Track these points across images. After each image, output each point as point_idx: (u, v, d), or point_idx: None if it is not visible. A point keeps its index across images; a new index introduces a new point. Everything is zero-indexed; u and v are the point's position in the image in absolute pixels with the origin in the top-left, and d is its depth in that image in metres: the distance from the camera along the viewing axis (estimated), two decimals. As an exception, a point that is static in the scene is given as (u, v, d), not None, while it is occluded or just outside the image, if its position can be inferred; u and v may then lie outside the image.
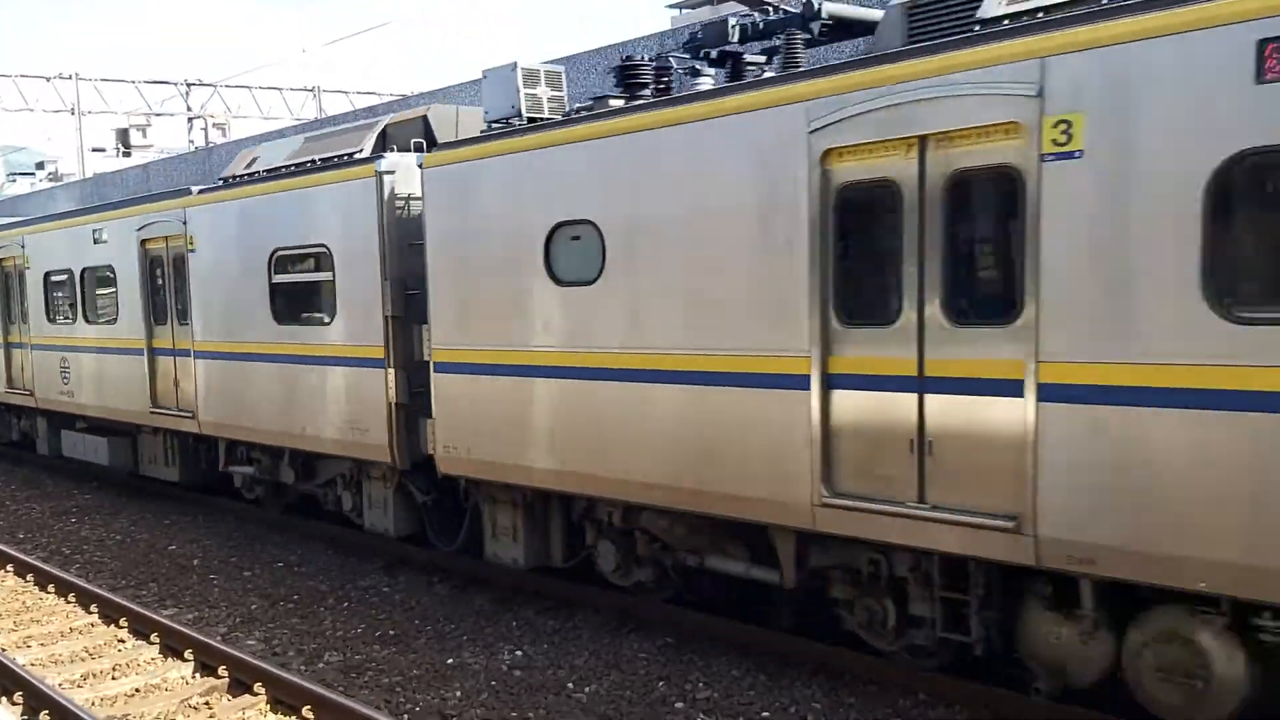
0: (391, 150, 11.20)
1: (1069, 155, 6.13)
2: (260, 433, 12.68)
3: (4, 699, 8.26)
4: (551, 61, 10.92)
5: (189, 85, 38.65)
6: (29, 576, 11.85)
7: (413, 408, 10.71)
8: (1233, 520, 5.65)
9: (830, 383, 7.32)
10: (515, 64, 9.81)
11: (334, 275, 11.27)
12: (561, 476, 9.15)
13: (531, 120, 9.69)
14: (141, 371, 14.60)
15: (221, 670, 8.58)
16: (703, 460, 8.05)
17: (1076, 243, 6.11)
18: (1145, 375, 5.91)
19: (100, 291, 15.69)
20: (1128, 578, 6.11)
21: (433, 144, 10.89)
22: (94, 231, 15.53)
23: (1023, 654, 6.93)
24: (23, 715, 8.02)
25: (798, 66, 8.21)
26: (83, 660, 9.29)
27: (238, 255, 12.65)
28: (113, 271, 15.17)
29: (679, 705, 7.84)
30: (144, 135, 39.26)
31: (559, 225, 8.93)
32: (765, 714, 7.62)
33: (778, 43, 8.59)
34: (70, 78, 37.44)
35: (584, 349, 8.82)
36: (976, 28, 6.76)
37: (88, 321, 15.96)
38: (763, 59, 8.97)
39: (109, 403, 15.57)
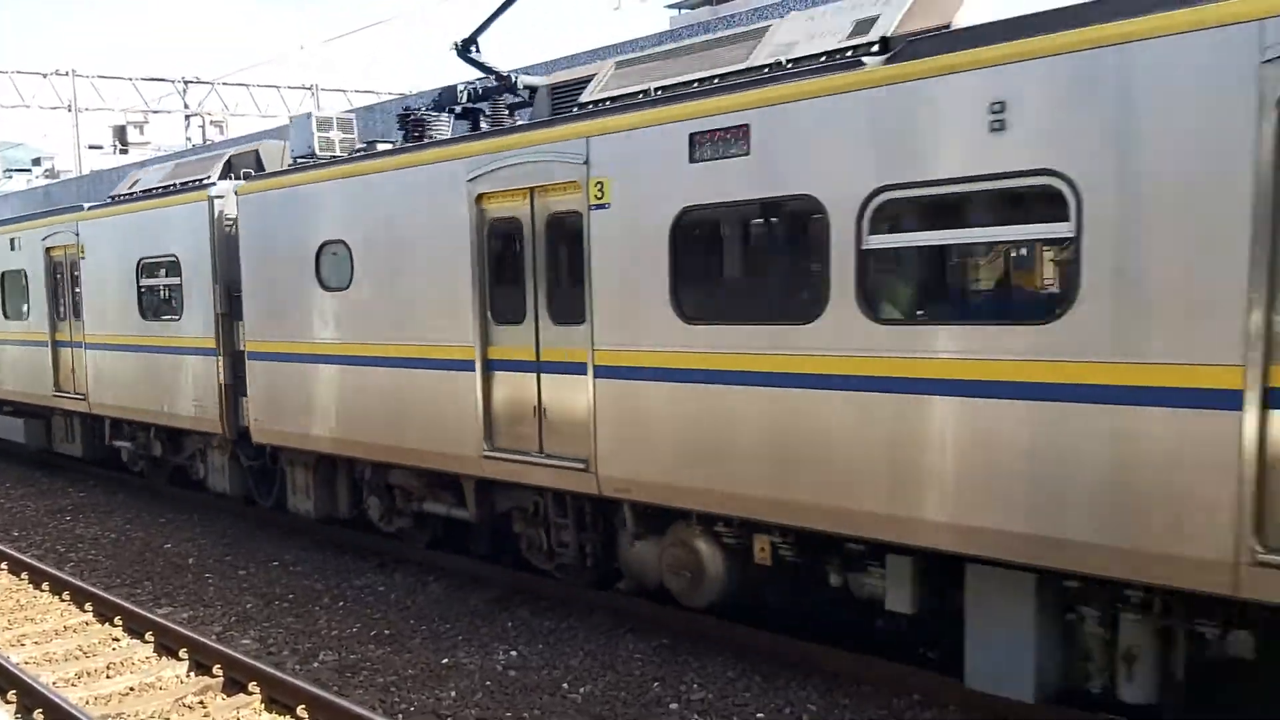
0: (231, 177, 13.60)
1: (603, 206, 8.59)
2: (134, 412, 15.13)
3: (-2, 697, 8.26)
4: (352, 110, 13.90)
5: (186, 83, 38.65)
6: (23, 574, 11.83)
7: (237, 388, 13.00)
8: (701, 459, 8.09)
9: (489, 366, 9.79)
10: (310, 114, 12.77)
11: (182, 280, 13.61)
12: (336, 443, 11.57)
13: (318, 159, 12.19)
14: (47, 361, 17.09)
15: (216, 669, 8.57)
16: (416, 427, 10.51)
17: (609, 267, 8.59)
18: (645, 359, 8.41)
19: (17, 292, 18.22)
20: (647, 500, 8.66)
21: (260, 174, 13.21)
22: (11, 240, 18.04)
23: (620, 564, 9.49)
24: (17, 714, 8.01)
25: (502, 124, 10.57)
26: (77, 659, 9.28)
27: (115, 262, 15.01)
28: (26, 276, 17.71)
29: (674, 706, 7.84)
30: (141, 132, 39.24)
31: (324, 244, 11.36)
32: (760, 715, 7.63)
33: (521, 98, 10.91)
34: (67, 74, 37.43)
35: (343, 341, 11.28)
36: (575, 108, 9.35)
37: (6, 318, 18.65)
38: (505, 110, 11.01)
39: (25, 389, 18.14)
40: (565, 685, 8.31)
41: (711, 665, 8.53)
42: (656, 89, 8.65)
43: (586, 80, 9.64)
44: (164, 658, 9.18)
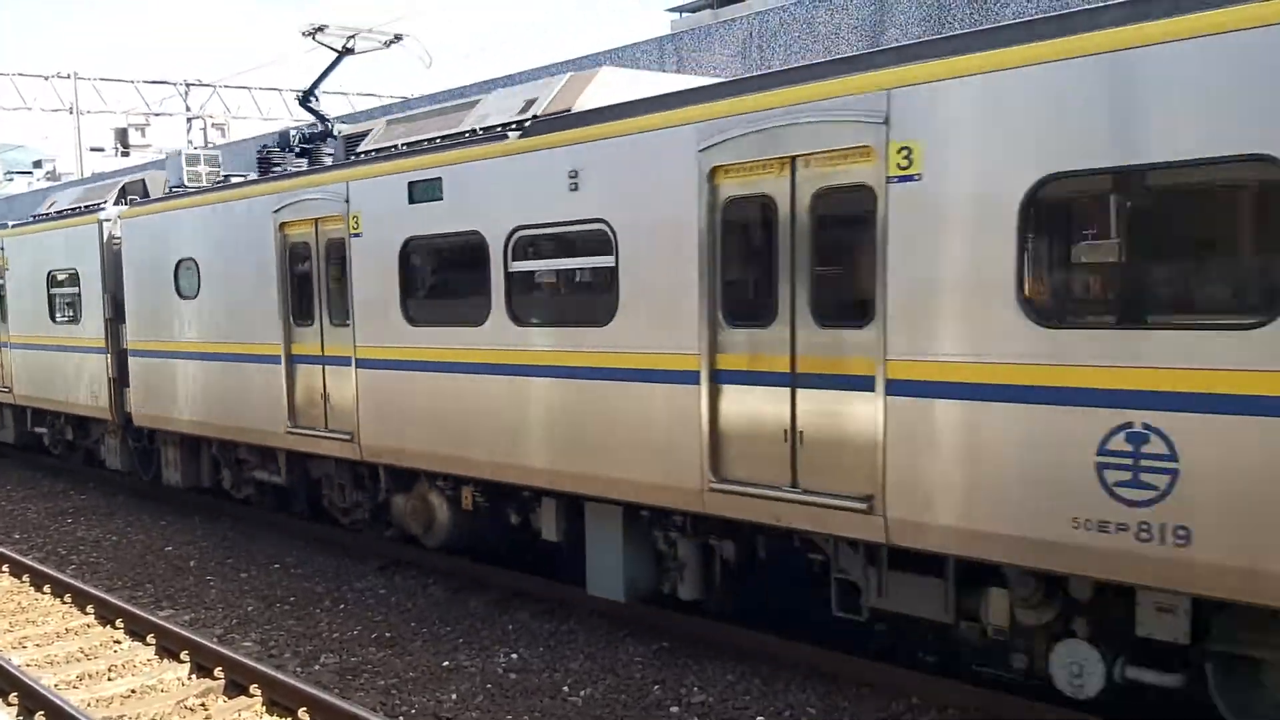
0: (123, 203, 15.75)
1: (359, 235, 10.85)
2: (48, 402, 17.55)
3: (0, 700, 8.27)
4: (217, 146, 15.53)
5: (188, 85, 38.71)
6: (25, 577, 11.86)
7: (122, 381, 15.28)
8: (422, 430, 10.29)
9: (292, 360, 11.88)
10: (181, 150, 14.98)
11: (80, 289, 16.02)
12: (194, 425, 13.76)
13: (184, 189, 14.31)
14: None
15: (218, 672, 8.60)
16: (245, 410, 12.65)
17: (365, 280, 10.79)
18: (387, 353, 10.67)
19: None
20: (391, 463, 10.91)
21: (138, 201, 15.27)
22: None
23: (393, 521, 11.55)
24: (18, 716, 8.03)
25: (322, 165, 12.24)
26: (79, 661, 9.31)
27: (31, 273, 17.42)
28: None
29: (674, 710, 7.86)
30: (143, 135, 39.29)
31: (180, 260, 13.56)
32: (760, 718, 7.65)
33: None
34: (69, 77, 37.50)
35: (193, 340, 13.50)
36: (351, 157, 11.45)
37: None
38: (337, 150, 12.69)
39: None
40: (566, 688, 8.33)
41: (711, 669, 8.55)
42: (403, 144, 10.82)
43: (366, 133, 11.79)
44: (165, 660, 9.21)
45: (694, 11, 20.33)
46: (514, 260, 9.29)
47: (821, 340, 7.27)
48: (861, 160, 6.95)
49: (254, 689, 8.19)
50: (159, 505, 15.87)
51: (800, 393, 7.40)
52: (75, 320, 16.21)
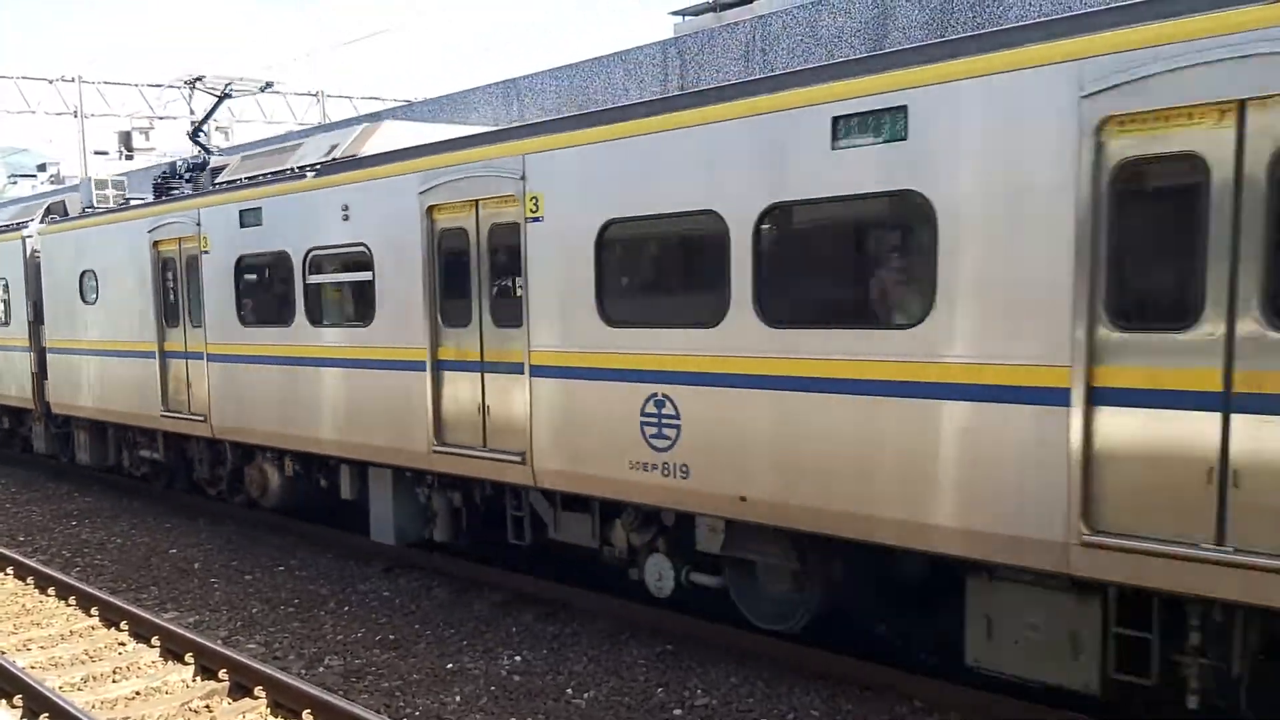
0: (47, 221, 17.67)
1: (207, 252, 13.16)
2: None
3: (4, 702, 8.29)
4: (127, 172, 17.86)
5: (192, 89, 38.71)
6: (29, 579, 11.89)
7: (43, 375, 17.57)
8: (257, 411, 12.54)
9: (165, 356, 14.20)
10: (90, 178, 17.37)
11: (9, 296, 18.49)
12: (97, 411, 16.12)
13: (92, 210, 16.66)
14: None
15: (222, 674, 8.61)
16: (131, 398, 15.08)
17: (212, 292, 13.10)
18: (231, 349, 12.92)
19: None
20: (236, 440, 13.21)
21: (53, 220, 17.44)
22: None
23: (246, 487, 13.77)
24: (23, 718, 8.05)
25: (184, 194, 14.29)
26: (83, 663, 9.33)
27: None
28: None
29: (677, 712, 7.87)
30: (146, 138, 39.32)
31: (84, 271, 15.93)
32: (763, 721, 7.66)
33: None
34: (73, 80, 37.51)
35: (93, 339, 15.91)
36: (212, 187, 13.87)
37: None
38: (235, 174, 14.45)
39: None
40: (569, 691, 8.34)
41: (714, 671, 8.56)
42: (244, 178, 13.08)
43: (225, 166, 14.20)
44: (170, 662, 9.22)
45: (697, 15, 20.33)
46: (310, 274, 11.61)
47: (499, 337, 9.56)
48: (513, 205, 9.31)
49: (258, 691, 8.21)
50: (163, 508, 15.89)
51: (487, 376, 9.74)
52: (6, 323, 18.70)
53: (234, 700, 8.34)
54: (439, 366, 10.15)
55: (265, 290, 12.55)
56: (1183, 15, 5.70)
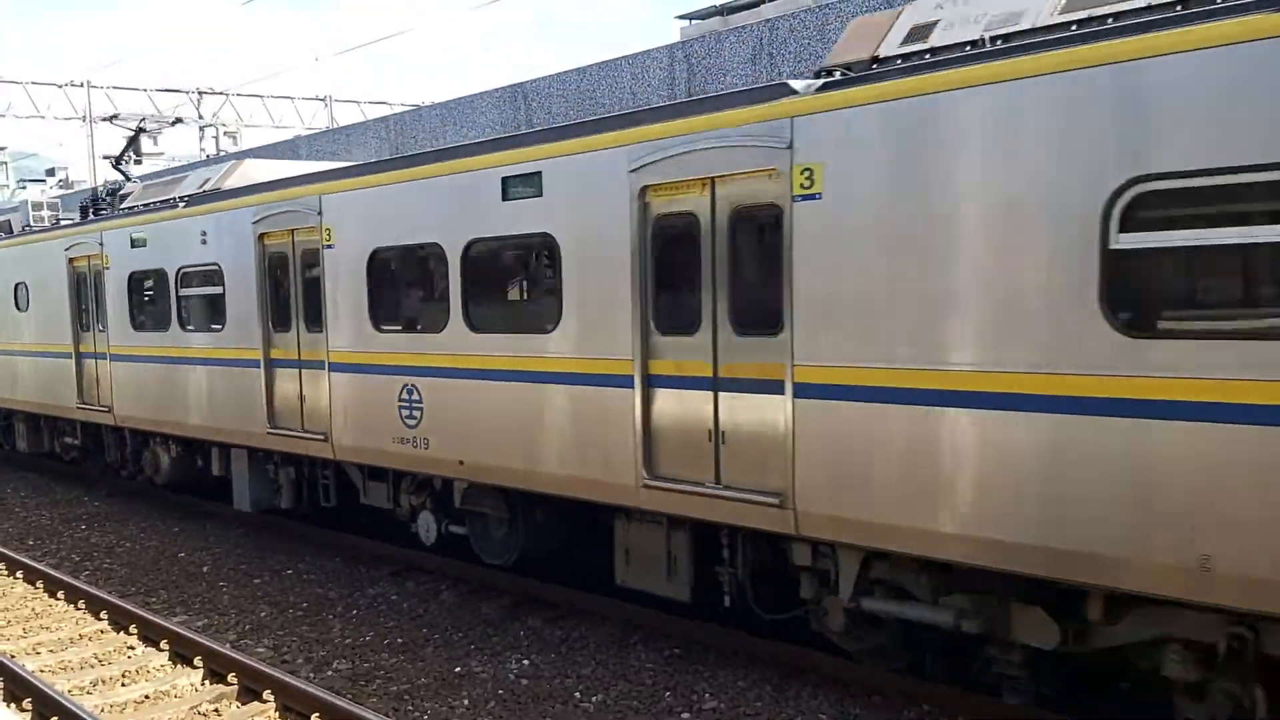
0: None
1: (107, 268, 15.47)
2: None
3: (13, 705, 8.31)
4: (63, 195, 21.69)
5: (200, 93, 38.88)
6: (39, 583, 11.92)
7: None
8: (145, 402, 14.82)
9: (80, 357, 16.44)
10: (27, 201, 19.65)
11: None
12: (33, 405, 18.27)
13: (32, 229, 18.72)
14: None
15: (231, 677, 8.63)
16: (58, 394, 17.21)
17: (113, 302, 15.41)
18: (124, 350, 15.26)
19: None
20: (134, 428, 15.56)
21: None
22: None
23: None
24: (33, 721, 8.07)
25: (89, 220, 16.88)
26: (92, 667, 9.35)
27: None
28: None
29: (686, 716, 7.86)
30: (155, 143, 39.41)
31: (18, 284, 18.30)
32: (772, 725, 7.65)
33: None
34: (82, 85, 37.67)
35: (28, 342, 18.08)
36: (116, 212, 16.01)
37: None
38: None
39: None
40: (577, 694, 8.34)
41: (723, 675, 8.55)
42: (139, 205, 15.35)
43: (128, 194, 16.34)
44: (179, 666, 9.24)
45: (704, 18, 20.35)
46: (181, 288, 13.91)
47: (308, 339, 11.88)
48: (315, 234, 11.59)
49: (267, 695, 8.22)
50: (172, 511, 15.93)
51: (304, 372, 11.96)
52: None
53: (243, 704, 8.36)
54: (272, 365, 12.47)
55: (150, 301, 14.81)
56: (679, 117, 8.11)
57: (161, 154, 39.35)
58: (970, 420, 6.47)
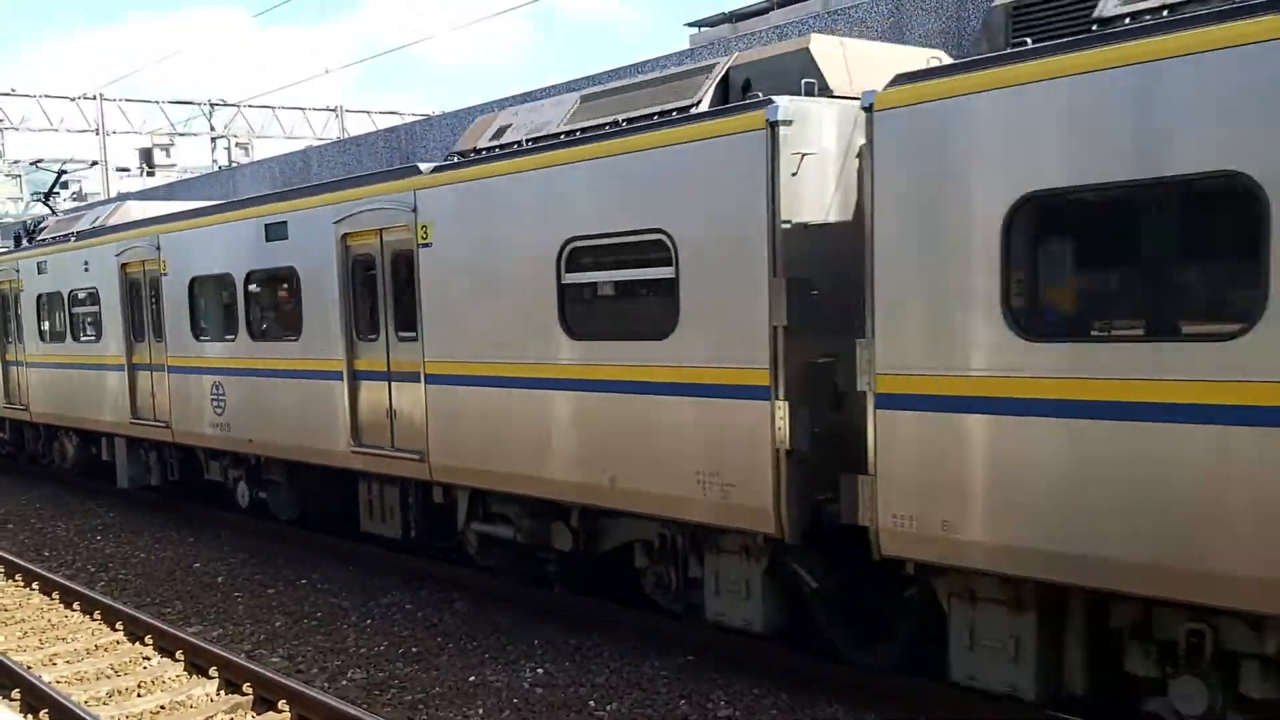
0: None
1: (22, 290, 19.08)
2: None
3: (30, 716, 8.34)
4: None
5: (212, 105, 39.03)
6: (55, 594, 11.96)
7: None
8: (58, 401, 18.37)
9: (6, 364, 19.38)
10: None
11: None
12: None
13: None
14: None
15: (246, 687, 8.65)
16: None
17: (32, 318, 18.93)
18: (55, 358, 18.39)
19: None
20: (49, 424, 19.08)
21: None
22: None
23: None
24: (50, 732, 8.10)
25: (11, 250, 20.21)
26: (108, 677, 9.38)
27: None
28: None
29: (700, 724, 7.85)
30: (168, 155, 39.66)
31: None
32: (787, 733, 7.62)
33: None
34: (94, 98, 37.84)
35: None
36: (40, 242, 19.21)
37: None
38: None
39: None
40: (592, 703, 8.33)
41: (737, 683, 8.53)
42: (49, 238, 18.20)
43: (45, 227, 19.41)
44: (194, 676, 9.27)
45: (713, 26, 20.41)
46: (73, 306, 17.22)
47: (156, 347, 14.93)
48: (154, 265, 14.74)
49: (282, 704, 8.24)
50: (186, 522, 15.98)
51: (154, 375, 15.06)
52: None
53: (259, 714, 8.37)
54: (134, 369, 15.62)
55: (53, 316, 18.17)
56: (360, 186, 11.50)
57: (174, 165, 39.53)
58: (516, 395, 9.60)
